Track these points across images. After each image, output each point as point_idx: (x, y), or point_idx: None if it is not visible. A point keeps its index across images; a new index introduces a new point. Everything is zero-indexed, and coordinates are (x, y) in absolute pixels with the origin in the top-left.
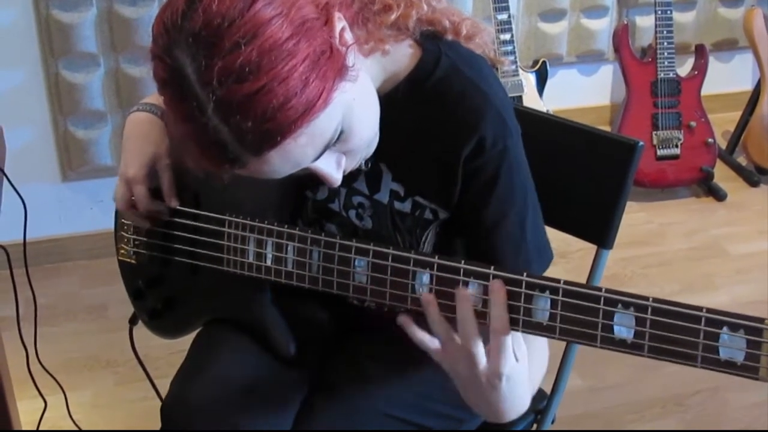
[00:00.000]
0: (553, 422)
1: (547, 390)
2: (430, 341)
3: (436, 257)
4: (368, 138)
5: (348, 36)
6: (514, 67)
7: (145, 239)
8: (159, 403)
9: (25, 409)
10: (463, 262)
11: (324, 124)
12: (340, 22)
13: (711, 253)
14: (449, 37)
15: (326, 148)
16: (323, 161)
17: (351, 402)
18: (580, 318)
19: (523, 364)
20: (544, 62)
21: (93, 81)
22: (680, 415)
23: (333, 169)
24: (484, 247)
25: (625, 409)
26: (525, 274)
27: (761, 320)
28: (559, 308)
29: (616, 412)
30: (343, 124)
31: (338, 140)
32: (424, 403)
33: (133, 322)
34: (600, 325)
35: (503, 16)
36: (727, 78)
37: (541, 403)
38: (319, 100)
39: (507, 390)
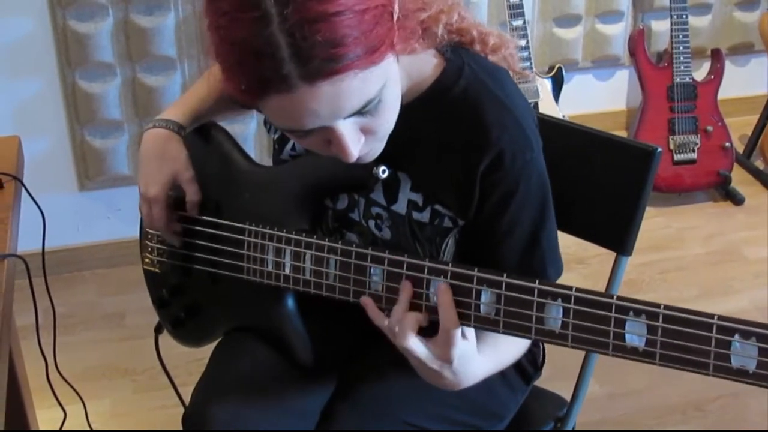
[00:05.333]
0: (573, 429)
1: (567, 397)
2: (387, 323)
3: (450, 265)
4: (389, 126)
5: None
6: (530, 73)
7: (168, 248)
8: (178, 412)
9: (45, 419)
10: (476, 270)
11: (375, 78)
12: (396, 5)
13: (729, 258)
14: (476, 47)
15: (365, 106)
16: (349, 127)
17: (372, 409)
18: (592, 326)
19: (472, 341)
20: (559, 68)
21: (110, 90)
22: (700, 420)
23: (354, 141)
24: (496, 254)
25: (645, 415)
26: (537, 282)
27: None
28: (571, 316)
29: (635, 418)
30: (381, 94)
31: (374, 109)
32: (443, 411)
33: (158, 330)
34: (612, 333)
35: (518, 22)
36: (744, 82)
37: (561, 410)
38: (378, 51)
39: (458, 366)
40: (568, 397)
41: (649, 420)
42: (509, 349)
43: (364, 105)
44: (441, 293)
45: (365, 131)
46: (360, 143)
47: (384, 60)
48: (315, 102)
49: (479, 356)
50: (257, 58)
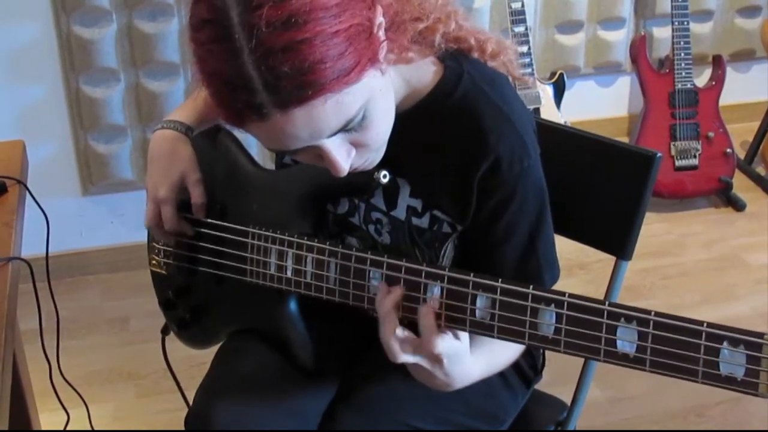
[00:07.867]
0: (573, 431)
1: (567, 401)
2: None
3: (447, 270)
4: (381, 138)
5: (381, 33)
6: (531, 79)
7: (175, 250)
8: (181, 416)
9: (48, 422)
10: (472, 275)
11: (351, 98)
12: (379, 17)
13: (730, 264)
14: (475, 54)
15: (346, 125)
16: (336, 143)
17: (373, 411)
18: (584, 332)
19: (464, 342)
20: (561, 74)
21: (113, 96)
22: (701, 426)
23: (343, 156)
24: (492, 260)
25: (646, 420)
26: (531, 287)
27: (761, 335)
28: (564, 322)
29: (636, 424)
30: (365, 110)
31: (358, 125)
32: (444, 413)
33: (164, 332)
34: (603, 339)
35: (520, 29)
36: (745, 88)
37: (562, 414)
38: (353, 72)
39: (449, 366)
40: (569, 401)
41: (650, 425)
42: (503, 351)
43: (345, 124)
44: (423, 316)
45: (356, 144)
46: (350, 157)
47: (363, 77)
48: (292, 127)
49: (472, 357)
50: (231, 89)
